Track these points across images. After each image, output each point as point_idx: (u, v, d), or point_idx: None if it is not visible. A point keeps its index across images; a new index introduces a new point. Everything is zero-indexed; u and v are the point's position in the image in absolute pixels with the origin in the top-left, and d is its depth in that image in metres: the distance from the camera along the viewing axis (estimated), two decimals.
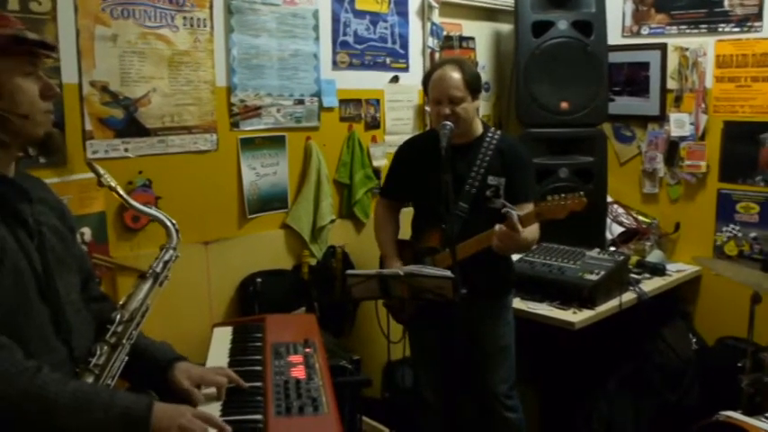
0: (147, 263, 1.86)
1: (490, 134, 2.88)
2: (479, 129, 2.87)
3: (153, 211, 1.91)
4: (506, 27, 4.48)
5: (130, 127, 2.77)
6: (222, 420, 1.57)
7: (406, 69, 3.85)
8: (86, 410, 1.41)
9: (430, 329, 2.90)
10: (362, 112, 3.68)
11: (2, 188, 1.50)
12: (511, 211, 2.52)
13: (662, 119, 4.16)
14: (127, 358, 1.67)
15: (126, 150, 2.77)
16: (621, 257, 3.45)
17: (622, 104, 4.28)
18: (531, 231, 2.68)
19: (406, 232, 3.10)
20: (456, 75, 2.73)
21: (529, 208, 2.71)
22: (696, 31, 4.00)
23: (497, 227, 2.59)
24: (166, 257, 1.84)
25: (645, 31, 4.22)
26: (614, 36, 4.20)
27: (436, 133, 2.85)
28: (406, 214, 3.13)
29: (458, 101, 2.72)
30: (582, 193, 2.59)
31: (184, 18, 2.89)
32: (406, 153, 3.02)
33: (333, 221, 3.51)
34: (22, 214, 1.54)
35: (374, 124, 3.75)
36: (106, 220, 2.73)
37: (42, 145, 1.57)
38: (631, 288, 3.44)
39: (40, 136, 1.54)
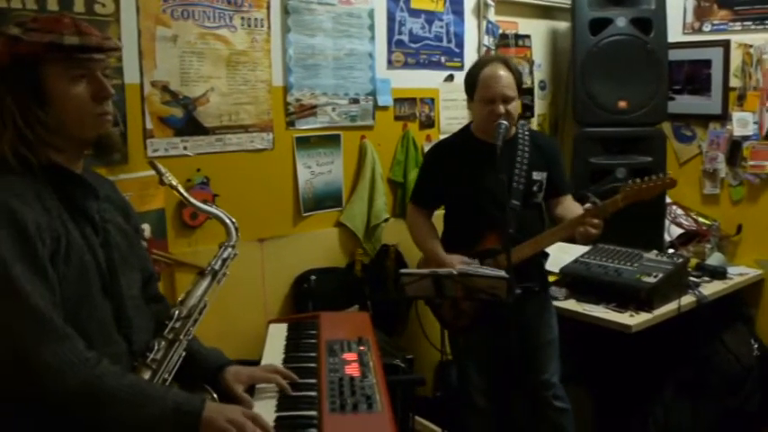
0: (204, 259, 1.89)
1: (521, 130, 2.88)
2: (514, 126, 2.86)
3: (213, 210, 1.93)
4: (563, 25, 4.42)
5: (189, 125, 2.83)
6: (267, 421, 1.59)
7: (461, 68, 3.82)
8: (141, 404, 1.43)
9: (482, 332, 2.89)
10: (417, 110, 3.68)
11: (70, 185, 1.53)
12: (596, 199, 2.57)
13: (724, 118, 4.05)
14: (184, 353, 1.70)
15: (185, 148, 2.83)
16: (680, 260, 3.37)
17: (682, 103, 4.18)
18: None
19: None
20: (507, 74, 2.72)
21: (569, 199, 2.84)
22: (761, 26, 3.88)
23: (582, 217, 2.59)
24: (225, 255, 1.85)
25: (707, 27, 4.11)
26: (675, 33, 4.10)
27: (471, 133, 2.85)
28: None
29: (510, 100, 2.70)
30: (670, 172, 2.58)
31: (242, 18, 2.94)
32: (442, 157, 2.97)
33: (386, 220, 3.51)
34: (89, 211, 1.57)
35: (429, 123, 3.74)
36: (165, 216, 2.79)
37: (96, 146, 1.58)
38: (690, 291, 3.35)
39: (92, 138, 1.55)
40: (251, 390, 1.79)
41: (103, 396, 1.40)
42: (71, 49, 1.45)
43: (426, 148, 3.67)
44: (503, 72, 2.71)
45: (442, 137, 3.71)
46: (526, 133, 2.87)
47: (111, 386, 1.41)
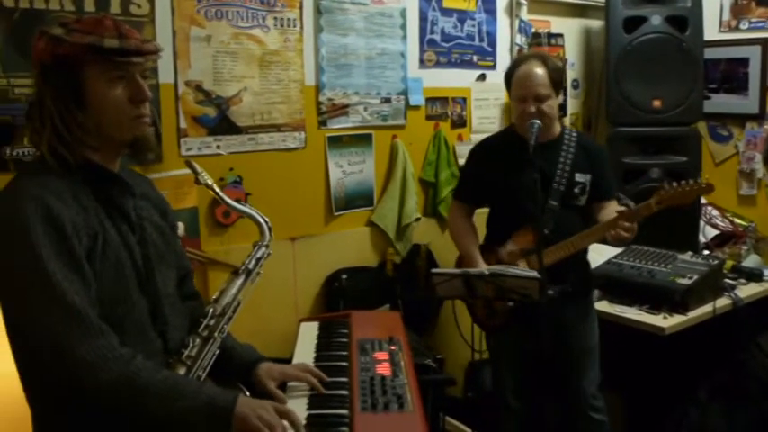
0: (237, 257, 1.90)
1: (568, 132, 2.84)
2: (559, 127, 2.83)
3: (248, 209, 1.93)
4: (597, 23, 4.38)
5: (222, 125, 2.86)
6: (299, 417, 1.59)
7: (493, 67, 3.81)
8: (174, 398, 1.44)
9: (514, 332, 2.87)
10: (449, 110, 3.67)
11: (106, 183, 1.55)
12: (629, 202, 2.52)
13: (761, 117, 3.99)
14: (218, 351, 1.71)
15: (218, 147, 2.85)
16: (716, 262, 3.32)
17: (718, 102, 4.13)
18: None
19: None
20: (541, 71, 2.67)
21: (614, 204, 2.75)
22: None
23: (614, 219, 2.56)
24: (259, 254, 1.86)
25: (744, 25, 4.05)
26: (711, 31, 4.04)
27: (513, 132, 2.83)
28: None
29: (544, 98, 2.67)
30: (707, 177, 2.53)
31: (275, 18, 2.95)
32: (483, 155, 2.96)
33: (418, 220, 3.51)
34: (125, 209, 1.59)
35: (460, 123, 3.73)
36: (198, 215, 2.82)
37: (132, 146, 1.59)
38: (726, 294, 3.30)
39: (129, 140, 1.56)
40: (282, 387, 1.80)
41: (138, 391, 1.42)
42: (110, 51, 1.47)
43: (458, 148, 3.67)
44: (537, 70, 2.68)
45: (473, 136, 3.72)
46: (573, 134, 2.83)
47: (145, 381, 1.42)
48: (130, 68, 1.52)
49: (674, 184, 2.55)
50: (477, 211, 3.04)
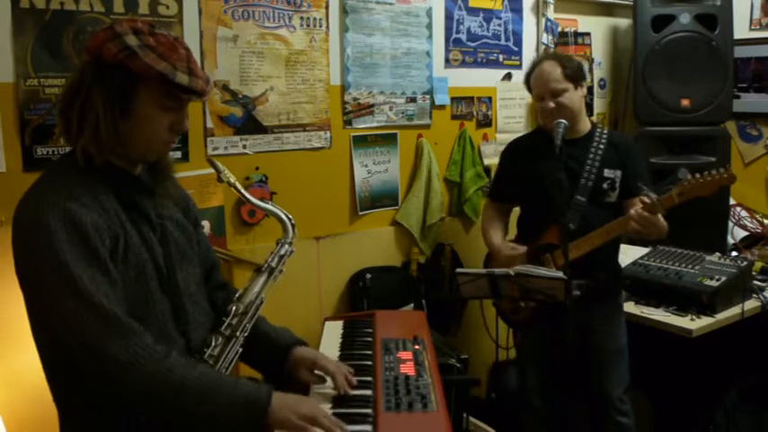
0: (261, 256, 1.91)
1: (599, 130, 2.83)
2: (588, 124, 2.82)
3: (270, 207, 1.94)
4: (624, 22, 4.35)
5: (248, 124, 2.87)
6: (336, 419, 1.59)
7: (519, 67, 3.80)
8: (210, 396, 1.45)
9: (541, 332, 2.85)
10: (474, 109, 3.66)
11: (124, 186, 1.57)
12: (650, 194, 2.46)
13: None
14: (241, 350, 1.72)
15: (244, 147, 2.87)
16: (745, 263, 3.27)
17: (748, 101, 4.08)
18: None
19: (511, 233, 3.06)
20: (552, 67, 2.70)
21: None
22: None
23: (633, 211, 2.51)
24: (282, 252, 1.87)
25: None
26: (741, 29, 3.99)
27: (543, 131, 2.81)
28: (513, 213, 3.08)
29: (559, 92, 2.67)
30: (729, 165, 2.45)
31: (301, 18, 2.97)
32: (514, 154, 2.98)
33: (442, 219, 3.51)
34: (145, 209, 1.61)
35: (486, 122, 3.72)
36: (224, 214, 2.84)
37: (150, 166, 1.64)
38: (755, 296, 3.25)
39: (151, 160, 1.61)
40: (307, 390, 1.81)
41: (173, 387, 1.43)
42: (178, 87, 1.50)
43: (483, 148, 3.67)
44: (547, 66, 2.71)
45: (498, 136, 3.71)
46: (604, 132, 2.82)
47: (180, 377, 1.43)
48: (184, 103, 1.56)
49: (697, 175, 2.47)
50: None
